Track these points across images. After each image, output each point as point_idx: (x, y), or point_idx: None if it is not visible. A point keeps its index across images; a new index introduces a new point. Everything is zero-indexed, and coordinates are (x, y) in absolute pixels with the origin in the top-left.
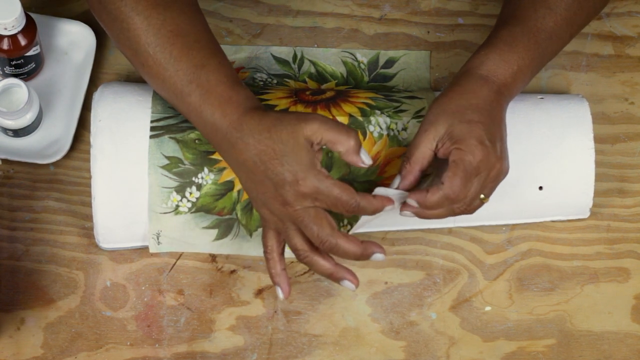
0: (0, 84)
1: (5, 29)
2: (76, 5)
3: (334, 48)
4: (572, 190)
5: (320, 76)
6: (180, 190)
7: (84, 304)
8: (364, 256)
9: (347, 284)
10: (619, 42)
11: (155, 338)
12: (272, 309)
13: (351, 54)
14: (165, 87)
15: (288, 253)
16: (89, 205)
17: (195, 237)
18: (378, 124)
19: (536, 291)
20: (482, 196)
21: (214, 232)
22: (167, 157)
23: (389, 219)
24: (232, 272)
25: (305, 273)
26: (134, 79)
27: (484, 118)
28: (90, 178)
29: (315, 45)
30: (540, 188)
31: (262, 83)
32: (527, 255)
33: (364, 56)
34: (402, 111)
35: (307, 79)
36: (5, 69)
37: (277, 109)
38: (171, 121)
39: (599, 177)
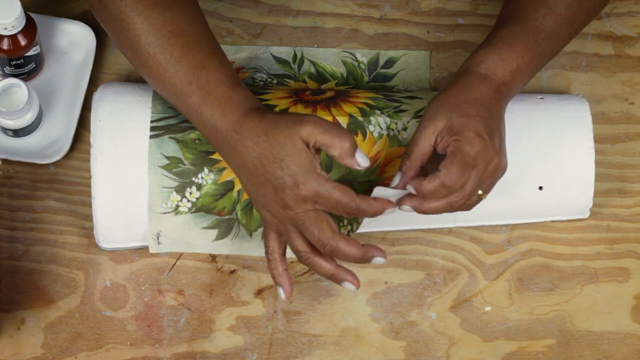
0: (0, 84)
1: (5, 29)
2: (76, 5)
3: (334, 48)
4: (572, 190)
5: (320, 76)
6: (180, 190)
7: (84, 304)
8: (364, 259)
9: (348, 285)
10: (619, 42)
11: (155, 338)
12: (272, 309)
13: (351, 54)
14: (165, 87)
15: (289, 253)
16: (89, 205)
17: (195, 237)
18: (378, 123)
19: (536, 291)
20: (480, 192)
21: (214, 232)
22: (167, 157)
23: (389, 219)
24: (232, 272)
25: (305, 273)
26: (134, 79)
27: (482, 112)
28: (90, 178)
29: (315, 45)
30: (540, 188)
31: (262, 83)
32: (527, 255)
33: (364, 56)
34: (402, 111)
35: (307, 79)
36: (5, 69)
37: (277, 109)
38: (171, 121)
39: (599, 177)
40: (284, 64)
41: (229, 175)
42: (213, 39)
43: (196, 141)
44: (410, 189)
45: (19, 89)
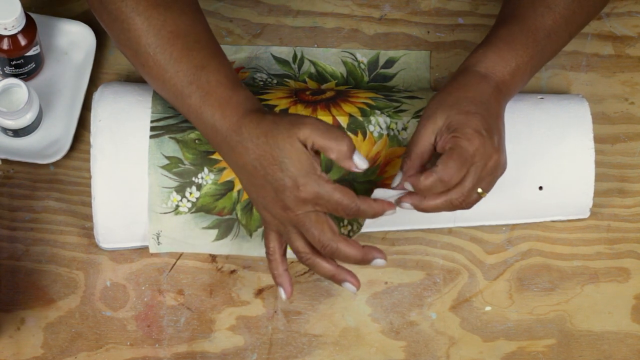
0: (0, 84)
1: (5, 29)
2: (76, 5)
3: (334, 48)
4: (572, 190)
5: (320, 76)
6: (180, 190)
7: (84, 304)
8: (364, 261)
9: (349, 286)
10: (619, 42)
11: (155, 338)
12: (272, 309)
13: (351, 54)
14: (165, 88)
15: (289, 253)
16: (89, 205)
17: (196, 237)
18: (378, 123)
19: (536, 291)
20: (480, 190)
21: (214, 232)
22: (167, 157)
23: (389, 219)
24: (232, 272)
25: (305, 273)
26: (134, 79)
27: (481, 110)
28: (90, 178)
29: (315, 45)
30: (540, 188)
31: (262, 83)
32: (527, 255)
33: (364, 56)
34: (402, 111)
35: (307, 79)
36: (5, 69)
37: (277, 109)
38: (171, 121)
39: (599, 177)
40: (284, 64)
41: (229, 175)
42: (213, 40)
43: (196, 141)
44: (408, 186)
45: (19, 89)
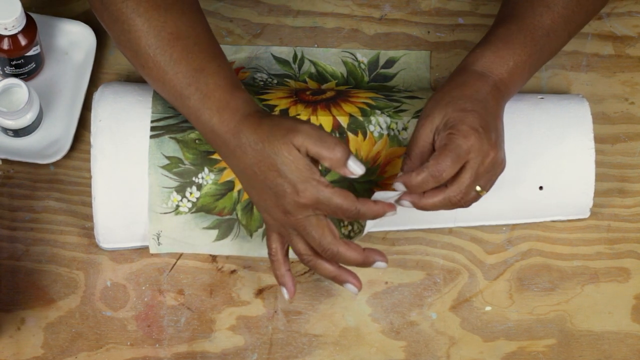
0: (1, 84)
1: (6, 29)
2: (77, 5)
3: (334, 48)
4: (572, 190)
5: (321, 76)
6: (181, 190)
7: (84, 304)
8: (365, 264)
9: (350, 287)
10: (619, 42)
11: (156, 338)
12: (272, 309)
13: (351, 54)
14: (165, 89)
15: (291, 253)
16: (89, 205)
17: (196, 238)
18: (378, 123)
19: (536, 291)
20: (478, 188)
21: (215, 232)
22: (168, 157)
23: (390, 219)
24: (233, 272)
25: (305, 273)
26: (134, 79)
27: (477, 107)
28: (90, 178)
29: (316, 45)
30: (541, 188)
31: (262, 83)
32: (527, 255)
33: (364, 56)
34: (402, 111)
35: (307, 79)
36: (5, 69)
37: (277, 109)
38: (171, 121)
39: (599, 177)
40: (284, 64)
41: (229, 175)
42: (213, 41)
43: (196, 141)
44: (400, 186)
45: (19, 89)
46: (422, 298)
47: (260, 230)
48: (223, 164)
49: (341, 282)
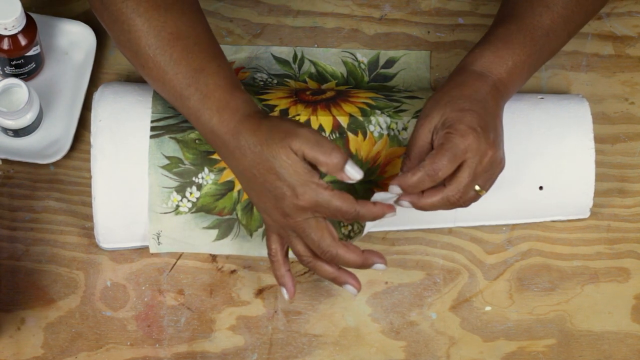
0: (1, 84)
1: (6, 29)
2: (77, 5)
3: (334, 48)
4: (572, 190)
5: (321, 76)
6: (181, 190)
7: (84, 304)
8: (364, 266)
9: (350, 288)
10: (619, 42)
11: (156, 338)
12: (272, 309)
13: (351, 54)
14: (165, 89)
15: (291, 253)
16: (89, 205)
17: (196, 237)
18: (378, 123)
19: (536, 291)
20: (477, 188)
21: (214, 232)
22: (168, 157)
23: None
24: (233, 272)
25: (305, 273)
26: (134, 79)
27: (475, 107)
28: (90, 178)
29: (316, 45)
30: (541, 188)
31: (262, 83)
32: (527, 255)
33: (364, 56)
34: (402, 111)
35: (307, 79)
36: (5, 69)
37: (277, 109)
38: (171, 121)
39: (599, 177)
40: (284, 64)
41: (229, 175)
42: (213, 41)
43: (196, 141)
44: (396, 189)
45: (19, 89)
46: (422, 298)
47: (260, 230)
48: (223, 164)
49: (340, 283)
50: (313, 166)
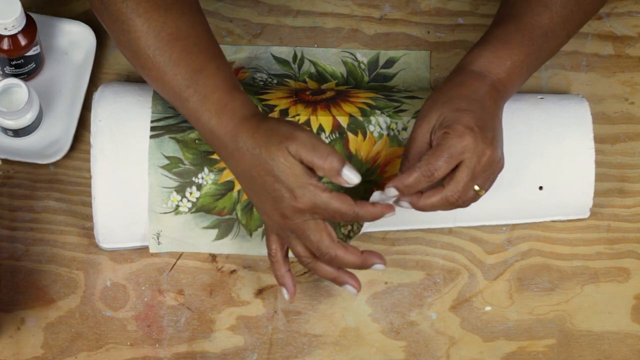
0: (0, 84)
1: (5, 29)
2: (77, 5)
3: (334, 48)
4: (572, 190)
5: (321, 76)
6: (181, 190)
7: (84, 304)
8: (364, 266)
9: (349, 288)
10: (619, 42)
11: (156, 338)
12: (272, 309)
13: (351, 54)
14: (164, 89)
15: (291, 254)
16: (89, 205)
17: (196, 237)
18: (378, 123)
19: (536, 291)
20: (477, 188)
21: (214, 232)
22: (167, 157)
23: (389, 219)
24: (232, 272)
25: (305, 273)
26: (134, 79)
27: (473, 107)
28: (90, 178)
29: (316, 45)
30: (541, 188)
31: (262, 83)
32: (527, 255)
33: (364, 56)
34: (402, 111)
35: (307, 79)
36: (5, 69)
37: (277, 109)
38: (171, 121)
39: (599, 177)
40: (284, 64)
41: (229, 175)
42: (213, 42)
43: (196, 141)
44: (392, 190)
45: (19, 89)
46: (422, 298)
47: (260, 230)
48: (223, 164)
49: (340, 284)
50: (311, 169)
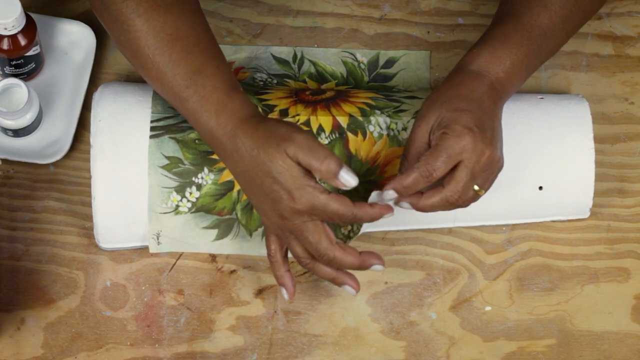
0: (0, 84)
1: (5, 29)
2: (76, 5)
3: (334, 48)
4: (572, 190)
5: (320, 76)
6: (180, 190)
7: (84, 304)
8: (362, 267)
9: (348, 289)
10: (619, 42)
11: (155, 338)
12: (272, 309)
13: (351, 54)
14: (164, 90)
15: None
16: (89, 205)
17: (195, 237)
18: (378, 123)
19: (536, 291)
20: (476, 188)
21: (214, 232)
22: (167, 157)
23: (389, 219)
24: (232, 272)
25: (305, 273)
26: (134, 79)
27: (472, 107)
28: (90, 178)
29: (315, 45)
30: (540, 188)
31: (262, 83)
32: (527, 255)
33: (364, 56)
34: (402, 111)
35: (307, 79)
36: (5, 69)
37: (277, 109)
38: (171, 121)
39: (599, 177)
40: (284, 64)
41: (229, 175)
42: (213, 42)
43: (196, 141)
44: (391, 193)
45: (19, 89)
46: (421, 298)
47: (260, 230)
48: (223, 164)
49: (339, 284)
50: (309, 171)
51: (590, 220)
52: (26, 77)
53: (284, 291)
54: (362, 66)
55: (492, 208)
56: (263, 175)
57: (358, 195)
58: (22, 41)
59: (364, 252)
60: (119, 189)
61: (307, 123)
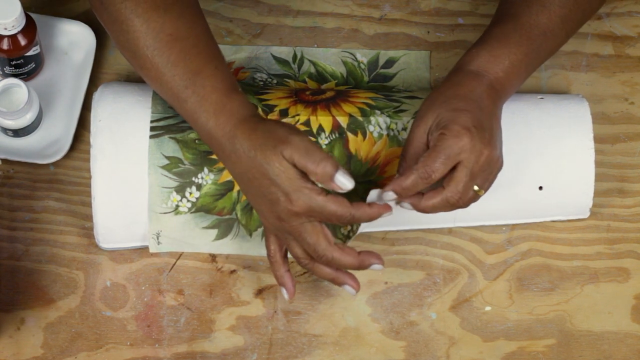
0: (0, 84)
1: (5, 29)
2: (76, 5)
3: (334, 48)
4: (572, 190)
5: (320, 76)
6: (180, 190)
7: (84, 304)
8: (361, 267)
9: (348, 288)
10: (619, 42)
11: (155, 338)
12: (272, 309)
13: (351, 54)
14: (163, 90)
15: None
16: (89, 205)
17: (195, 237)
18: (378, 124)
19: (536, 291)
20: (476, 188)
21: (214, 232)
22: (167, 157)
23: (388, 219)
24: (232, 272)
25: (304, 273)
26: (134, 79)
27: (470, 107)
28: (90, 178)
29: (315, 45)
30: (540, 188)
31: (262, 83)
32: (527, 255)
33: (364, 56)
34: (402, 111)
35: (307, 79)
36: (5, 69)
37: (277, 109)
38: (171, 121)
39: (599, 177)
40: (284, 64)
41: (228, 175)
42: (212, 43)
43: (196, 141)
44: (390, 195)
45: (19, 89)
46: (421, 298)
47: (260, 230)
48: (222, 164)
49: (339, 284)
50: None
51: (590, 220)
52: (26, 77)
53: (284, 291)
54: (362, 66)
55: (492, 208)
56: (260, 177)
57: (357, 195)
58: (22, 41)
59: (363, 251)
60: (119, 189)
61: (307, 123)
